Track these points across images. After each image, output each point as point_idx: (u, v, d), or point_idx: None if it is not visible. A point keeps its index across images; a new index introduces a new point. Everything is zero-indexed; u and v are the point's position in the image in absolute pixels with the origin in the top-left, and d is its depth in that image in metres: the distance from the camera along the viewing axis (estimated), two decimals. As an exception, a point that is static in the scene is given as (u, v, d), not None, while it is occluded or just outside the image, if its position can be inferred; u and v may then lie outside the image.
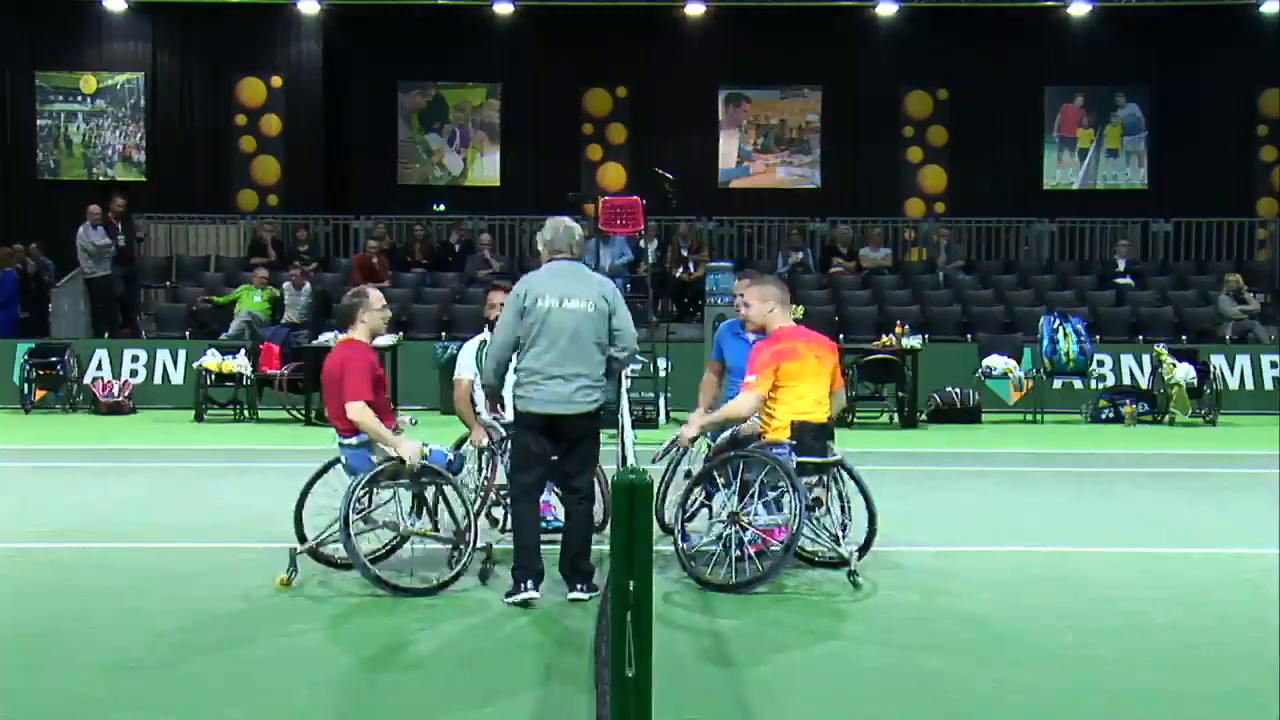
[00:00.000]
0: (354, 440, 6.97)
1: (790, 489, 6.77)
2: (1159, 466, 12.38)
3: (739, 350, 7.57)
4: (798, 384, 6.96)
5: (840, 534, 7.18)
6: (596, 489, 7.61)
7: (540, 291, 6.67)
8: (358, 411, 6.81)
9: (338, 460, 7.26)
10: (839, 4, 22.48)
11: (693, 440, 7.27)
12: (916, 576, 7.23)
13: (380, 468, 6.90)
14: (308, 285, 18.12)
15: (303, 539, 7.15)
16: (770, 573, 6.80)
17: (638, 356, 15.10)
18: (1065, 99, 23.47)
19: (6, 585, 7.13)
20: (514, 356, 6.73)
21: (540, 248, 6.93)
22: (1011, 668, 5.63)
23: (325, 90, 23.12)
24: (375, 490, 6.98)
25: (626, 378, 8.16)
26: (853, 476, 7.31)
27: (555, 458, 6.83)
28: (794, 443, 6.92)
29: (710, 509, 7.38)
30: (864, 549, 7.19)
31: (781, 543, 7.06)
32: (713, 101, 23.55)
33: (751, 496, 6.88)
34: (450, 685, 5.39)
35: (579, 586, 6.67)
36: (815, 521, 7.12)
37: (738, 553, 6.87)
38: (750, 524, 6.89)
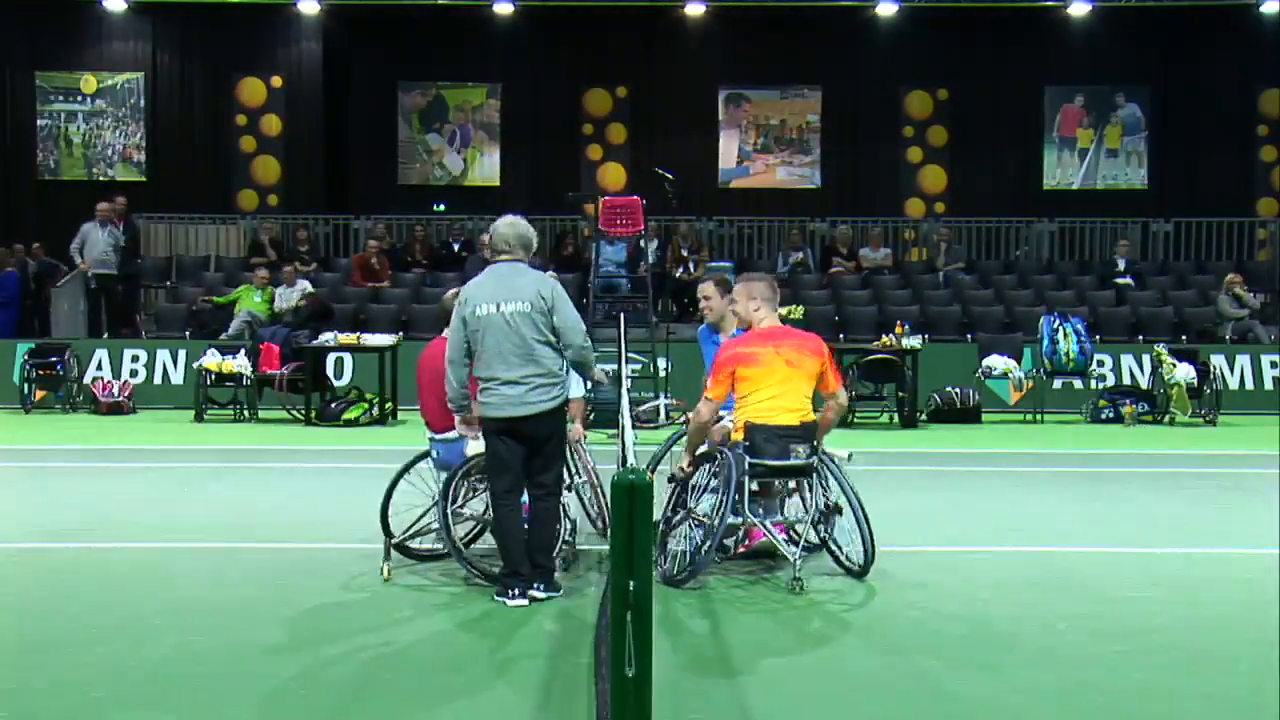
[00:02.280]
0: (451, 435, 7.19)
1: (723, 489, 6.73)
2: (1159, 466, 12.37)
3: (711, 353, 7.76)
4: (754, 387, 6.89)
5: (824, 539, 7.14)
6: (591, 493, 7.61)
7: (479, 299, 6.68)
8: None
9: (421, 457, 7.52)
10: (839, 4, 22.49)
11: (692, 465, 7.15)
12: (916, 576, 7.22)
13: (472, 461, 7.06)
14: (300, 283, 18.12)
15: (388, 533, 7.32)
16: (695, 569, 6.82)
17: (637, 356, 15.09)
18: (1065, 99, 23.48)
19: (6, 585, 7.13)
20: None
21: (486, 252, 6.95)
22: (1011, 668, 5.62)
23: (325, 90, 23.14)
24: (466, 483, 7.15)
25: (627, 378, 8.14)
26: (840, 485, 7.15)
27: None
28: (746, 444, 6.88)
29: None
30: (864, 567, 7.05)
31: (761, 541, 7.16)
32: (713, 101, 23.56)
33: (708, 494, 6.93)
34: (449, 683, 5.38)
35: (537, 586, 6.62)
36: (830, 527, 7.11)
37: (690, 547, 6.94)
38: (702, 521, 6.92)
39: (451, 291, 7.66)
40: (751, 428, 6.89)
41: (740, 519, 6.89)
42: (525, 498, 7.15)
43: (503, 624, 6.29)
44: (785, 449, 6.90)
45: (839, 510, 7.11)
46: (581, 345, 6.71)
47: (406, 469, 7.58)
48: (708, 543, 6.84)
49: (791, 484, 7.20)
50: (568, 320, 6.65)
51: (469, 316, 6.67)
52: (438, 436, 7.35)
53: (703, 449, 7.51)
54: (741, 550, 7.29)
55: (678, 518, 7.25)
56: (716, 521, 6.76)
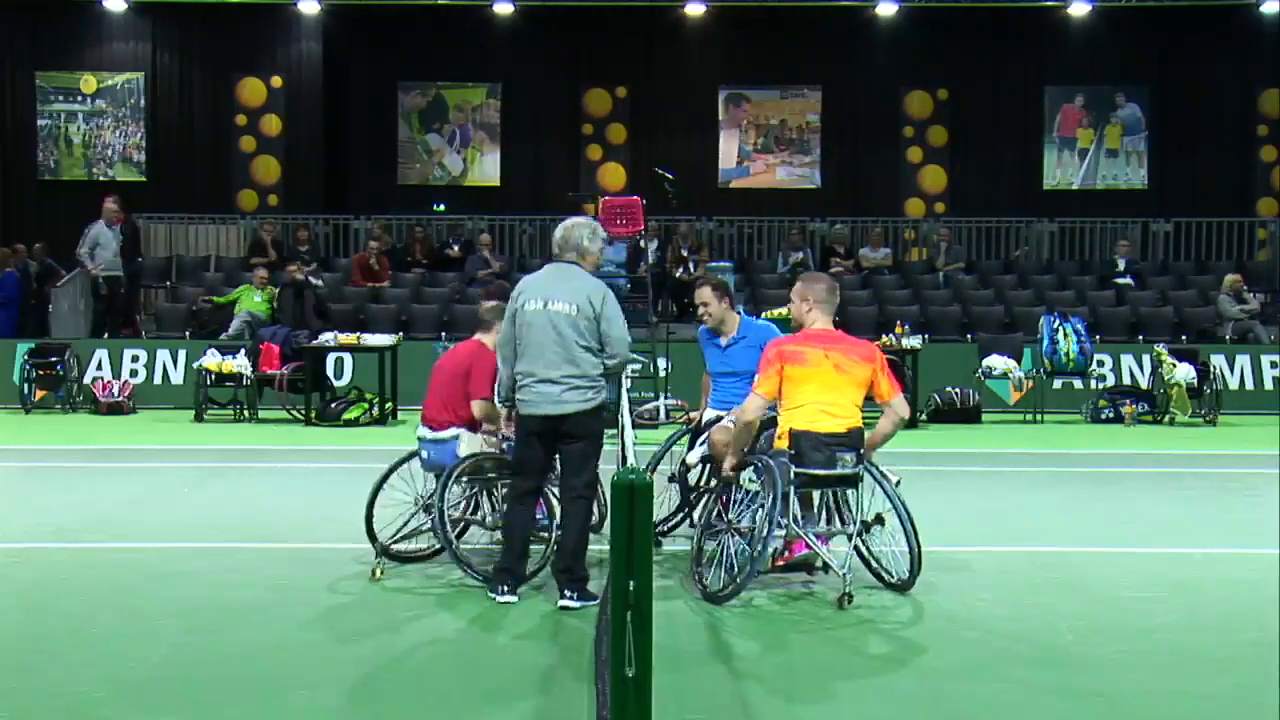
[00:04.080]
0: (444, 435, 7.26)
1: (769, 499, 6.47)
2: (1159, 466, 12.37)
3: (712, 355, 7.77)
4: (799, 391, 6.68)
5: (855, 548, 6.93)
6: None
7: (530, 294, 6.71)
8: (482, 407, 7.22)
9: (404, 461, 7.53)
10: (839, 4, 22.49)
11: (736, 468, 6.87)
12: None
13: (465, 463, 7.10)
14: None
15: (373, 537, 7.30)
16: (739, 585, 6.56)
17: (638, 356, 15.05)
18: (1065, 99, 23.48)
19: (6, 585, 7.13)
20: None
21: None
22: (1011, 668, 5.62)
23: (325, 90, 23.14)
24: (451, 485, 7.13)
25: (627, 377, 8.13)
26: (887, 495, 6.88)
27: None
28: (792, 452, 6.65)
29: (691, 518, 7.30)
30: (910, 579, 6.83)
31: (802, 555, 6.95)
32: (713, 101, 23.57)
33: (748, 504, 6.72)
34: (449, 684, 5.39)
35: (568, 594, 6.53)
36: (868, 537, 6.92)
37: (735, 561, 6.70)
38: (747, 534, 6.68)
39: (495, 304, 7.66)
40: (797, 435, 6.64)
41: (784, 531, 6.65)
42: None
43: (503, 624, 6.29)
44: (832, 457, 6.66)
45: (881, 521, 6.87)
46: (626, 357, 6.77)
47: (388, 475, 7.49)
48: (752, 557, 6.54)
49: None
50: (615, 330, 6.65)
51: (518, 311, 6.69)
52: (429, 436, 7.36)
53: (703, 450, 7.46)
54: (780, 563, 6.97)
55: (715, 526, 6.98)
56: (764, 534, 6.47)
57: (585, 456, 6.73)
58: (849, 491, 6.92)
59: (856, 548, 6.97)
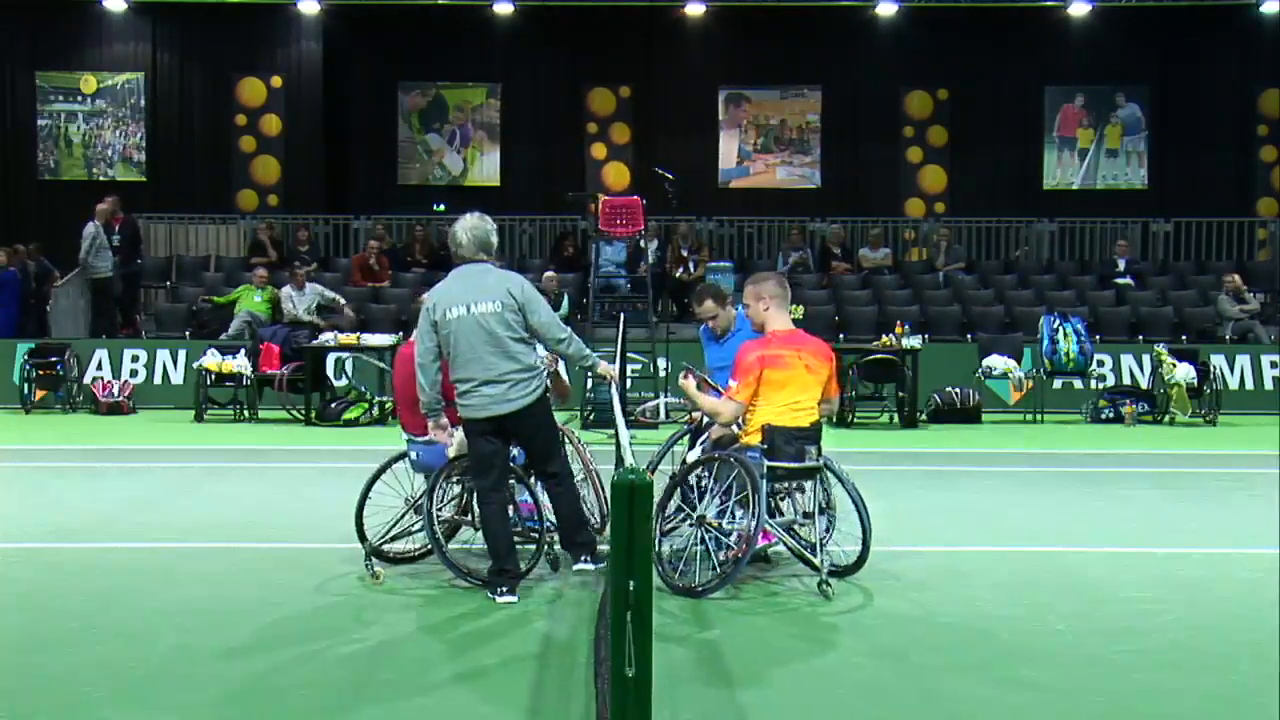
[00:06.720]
0: (431, 437, 7.15)
1: (751, 494, 6.60)
2: (1159, 466, 12.38)
3: (710, 350, 7.89)
4: (777, 392, 6.83)
5: (821, 541, 6.98)
6: (591, 493, 7.60)
7: (448, 302, 6.67)
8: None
9: (395, 460, 7.46)
10: (839, 4, 22.50)
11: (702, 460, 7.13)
12: (915, 576, 7.22)
13: (456, 463, 7.05)
14: (313, 286, 18.04)
15: (364, 539, 7.27)
16: (725, 578, 6.66)
17: (637, 356, 15.02)
18: (1065, 99, 23.49)
19: (6, 585, 7.12)
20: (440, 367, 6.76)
21: (451, 248, 6.90)
22: (1011, 668, 5.62)
23: (325, 90, 23.16)
24: (442, 486, 7.12)
25: (628, 378, 8.15)
26: (843, 483, 7.10)
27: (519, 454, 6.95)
28: (764, 447, 6.79)
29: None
30: (858, 562, 7.03)
31: (765, 546, 7.05)
32: (713, 101, 23.57)
33: (724, 500, 6.80)
34: (449, 683, 5.38)
35: (583, 558, 6.77)
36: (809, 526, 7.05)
37: (709, 556, 6.80)
38: (717, 527, 6.78)
39: (424, 295, 7.65)
40: (771, 430, 6.80)
41: (752, 523, 6.70)
42: (526, 495, 7.16)
43: (503, 623, 6.29)
44: (801, 451, 6.86)
45: (823, 510, 7.08)
46: (559, 338, 6.77)
47: (379, 474, 7.46)
48: (735, 553, 6.67)
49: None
50: (543, 318, 6.70)
51: (439, 321, 6.66)
52: (418, 439, 7.28)
53: (704, 449, 7.47)
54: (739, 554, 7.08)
55: (679, 520, 7.15)
56: (751, 530, 6.59)
57: (548, 442, 6.86)
58: (802, 483, 7.10)
59: (785, 539, 7.11)
